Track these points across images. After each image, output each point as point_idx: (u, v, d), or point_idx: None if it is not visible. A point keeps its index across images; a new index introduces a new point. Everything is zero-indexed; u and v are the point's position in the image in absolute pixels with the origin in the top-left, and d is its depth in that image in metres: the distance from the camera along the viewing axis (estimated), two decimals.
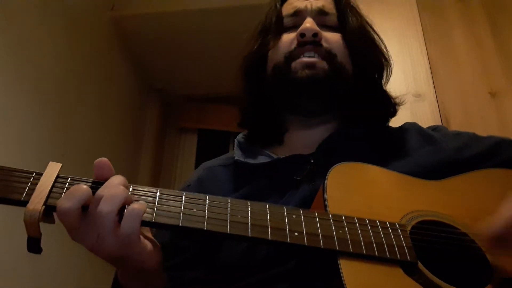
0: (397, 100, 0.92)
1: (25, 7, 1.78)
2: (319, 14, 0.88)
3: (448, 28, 1.62)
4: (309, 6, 0.89)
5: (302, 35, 0.84)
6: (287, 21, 0.90)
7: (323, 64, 0.83)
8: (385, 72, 0.92)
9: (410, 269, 0.60)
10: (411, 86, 1.52)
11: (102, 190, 0.56)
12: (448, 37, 1.61)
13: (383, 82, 0.92)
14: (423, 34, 1.61)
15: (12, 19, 1.70)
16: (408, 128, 0.92)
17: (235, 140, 0.94)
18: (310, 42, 0.84)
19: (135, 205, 0.56)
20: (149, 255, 0.61)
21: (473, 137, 0.89)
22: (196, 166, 0.98)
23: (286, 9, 0.91)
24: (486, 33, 1.58)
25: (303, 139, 0.88)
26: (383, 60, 0.92)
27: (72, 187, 0.56)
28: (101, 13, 2.42)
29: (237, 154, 0.87)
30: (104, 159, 0.60)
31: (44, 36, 1.90)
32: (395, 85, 0.95)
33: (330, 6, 0.90)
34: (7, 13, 1.68)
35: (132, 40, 2.62)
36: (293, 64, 0.84)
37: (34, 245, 0.55)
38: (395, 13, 1.67)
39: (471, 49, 1.57)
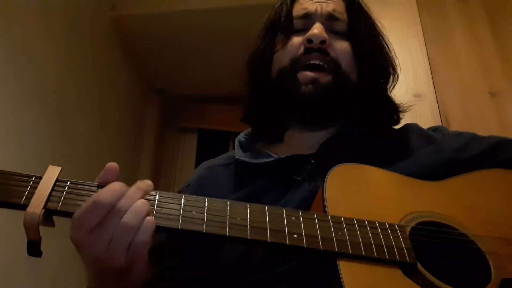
0: (400, 108, 0.92)
1: (25, 8, 1.78)
2: (329, 19, 0.87)
3: (448, 28, 1.62)
4: (319, 9, 0.87)
5: (309, 41, 0.83)
6: (296, 23, 0.88)
7: (327, 79, 0.83)
8: (391, 80, 0.92)
9: (409, 270, 0.60)
10: (411, 86, 1.52)
11: (128, 202, 0.56)
12: (448, 37, 1.60)
13: (388, 89, 0.92)
14: (423, 34, 1.61)
15: (12, 20, 1.70)
16: (409, 129, 0.92)
17: (236, 139, 0.94)
18: (316, 49, 0.83)
19: (150, 218, 0.57)
20: (147, 267, 0.60)
21: (474, 137, 0.89)
22: (196, 166, 0.98)
23: (296, 10, 0.90)
24: (486, 33, 1.57)
25: (304, 140, 0.88)
26: (390, 68, 0.92)
27: (93, 202, 0.55)
28: (101, 13, 2.42)
29: (237, 153, 0.87)
30: (114, 164, 0.60)
31: (44, 36, 1.90)
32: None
33: (341, 11, 0.89)
34: (7, 14, 1.68)
35: (132, 40, 2.62)
36: (299, 76, 0.83)
37: (34, 248, 0.55)
38: (395, 13, 1.66)
39: (471, 49, 1.56)
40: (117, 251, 0.54)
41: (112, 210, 0.55)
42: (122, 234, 0.54)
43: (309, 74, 0.82)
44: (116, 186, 0.57)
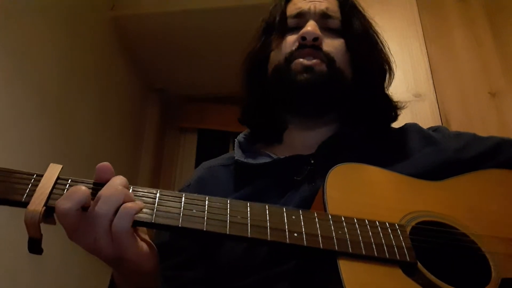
0: (398, 105, 0.92)
1: (25, 7, 1.79)
2: (322, 17, 0.87)
3: (448, 28, 1.62)
4: (312, 8, 0.88)
5: (303, 38, 0.84)
6: (290, 22, 0.89)
7: (322, 67, 0.83)
8: (387, 77, 0.92)
9: (409, 270, 0.60)
10: (411, 86, 1.52)
11: (102, 191, 0.57)
12: (448, 37, 1.60)
13: (384, 87, 0.92)
14: (423, 34, 1.61)
15: (13, 19, 1.70)
16: (409, 128, 0.92)
17: (236, 140, 0.94)
18: (310, 46, 0.84)
19: (128, 204, 0.56)
20: (145, 257, 0.60)
21: (474, 138, 0.89)
22: (196, 166, 0.98)
23: (290, 9, 0.91)
24: (486, 33, 1.58)
25: (304, 140, 0.88)
26: (385, 65, 0.92)
27: (71, 188, 0.56)
28: (101, 13, 2.42)
29: (237, 154, 0.87)
30: (105, 163, 0.60)
31: (44, 36, 1.90)
32: (395, 85, 0.94)
33: (334, 9, 0.89)
34: (7, 13, 1.68)
35: (132, 40, 2.62)
36: (293, 65, 0.84)
37: (35, 246, 0.55)
38: (395, 13, 1.67)
39: (471, 49, 1.57)
40: (100, 239, 0.55)
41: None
42: (97, 223, 0.55)
43: (303, 61, 0.83)
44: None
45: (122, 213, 0.55)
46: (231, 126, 2.90)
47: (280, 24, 0.90)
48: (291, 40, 0.87)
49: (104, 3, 2.45)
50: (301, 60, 0.83)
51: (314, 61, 0.83)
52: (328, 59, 0.84)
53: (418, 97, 1.50)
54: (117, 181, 0.58)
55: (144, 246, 0.60)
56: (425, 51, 1.58)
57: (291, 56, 0.85)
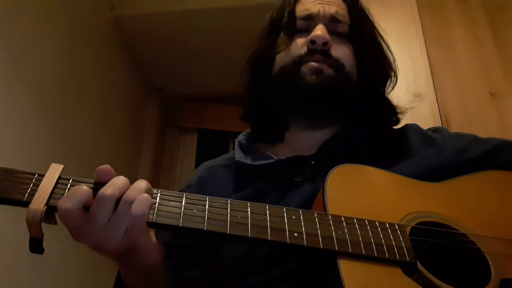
0: (398, 109, 0.93)
1: (25, 7, 1.79)
2: (331, 21, 0.87)
3: (448, 27, 1.62)
4: (322, 11, 0.87)
5: (312, 42, 0.84)
6: (299, 24, 0.89)
7: (330, 71, 0.83)
8: (389, 82, 0.93)
9: (409, 270, 0.61)
10: (411, 86, 1.52)
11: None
12: (448, 37, 1.60)
13: (386, 91, 0.93)
14: (423, 34, 1.61)
15: (12, 19, 1.70)
16: (409, 129, 0.92)
17: (236, 140, 0.94)
18: (319, 51, 0.84)
19: (145, 194, 0.58)
20: (152, 248, 0.62)
21: (474, 139, 0.89)
22: (196, 166, 0.98)
23: (299, 10, 0.90)
24: (486, 33, 1.58)
25: (305, 140, 0.88)
26: (391, 72, 0.92)
27: (73, 188, 0.57)
28: (101, 13, 2.42)
29: (237, 155, 0.87)
30: (106, 166, 0.61)
31: (44, 36, 1.90)
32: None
33: (343, 13, 0.89)
34: (7, 13, 1.68)
35: (132, 40, 2.62)
36: (302, 68, 0.83)
37: (36, 245, 0.55)
38: (395, 13, 1.67)
39: (471, 49, 1.57)
40: (116, 228, 0.56)
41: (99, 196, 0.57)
42: (122, 209, 0.56)
43: (313, 64, 0.83)
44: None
45: (141, 199, 0.57)
46: (231, 126, 2.90)
47: (289, 25, 0.89)
48: (299, 43, 0.86)
49: (104, 3, 2.45)
50: (311, 63, 0.83)
51: (323, 64, 0.83)
52: (337, 64, 0.84)
53: (418, 97, 1.50)
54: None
55: (153, 237, 0.62)
56: (425, 51, 1.58)
57: (300, 61, 0.84)
